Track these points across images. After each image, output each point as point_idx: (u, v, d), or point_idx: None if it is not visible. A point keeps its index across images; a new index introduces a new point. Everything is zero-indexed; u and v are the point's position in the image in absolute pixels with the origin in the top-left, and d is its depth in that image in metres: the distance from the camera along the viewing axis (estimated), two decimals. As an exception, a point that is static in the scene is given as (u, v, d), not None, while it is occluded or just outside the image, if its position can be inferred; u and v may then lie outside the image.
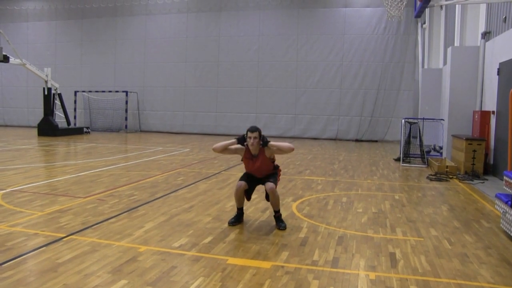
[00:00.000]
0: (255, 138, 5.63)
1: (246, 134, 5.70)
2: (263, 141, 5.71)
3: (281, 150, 5.77)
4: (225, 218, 6.14)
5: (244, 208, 6.09)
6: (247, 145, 5.75)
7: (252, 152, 5.76)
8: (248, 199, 6.00)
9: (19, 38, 26.80)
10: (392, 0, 11.31)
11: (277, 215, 5.85)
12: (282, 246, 4.98)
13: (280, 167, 6.17)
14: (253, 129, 5.66)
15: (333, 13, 22.14)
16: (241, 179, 5.89)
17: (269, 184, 5.67)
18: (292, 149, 5.75)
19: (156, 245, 4.91)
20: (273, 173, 5.94)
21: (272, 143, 5.75)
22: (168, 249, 4.79)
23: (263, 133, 5.81)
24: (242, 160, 5.94)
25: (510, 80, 9.56)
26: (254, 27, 23.18)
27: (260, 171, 5.87)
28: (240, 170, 5.93)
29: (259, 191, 8.01)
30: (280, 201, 6.05)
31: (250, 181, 5.91)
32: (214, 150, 5.83)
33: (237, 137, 5.80)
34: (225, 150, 5.82)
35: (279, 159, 6.13)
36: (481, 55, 11.97)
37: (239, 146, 5.80)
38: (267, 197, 5.87)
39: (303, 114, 22.53)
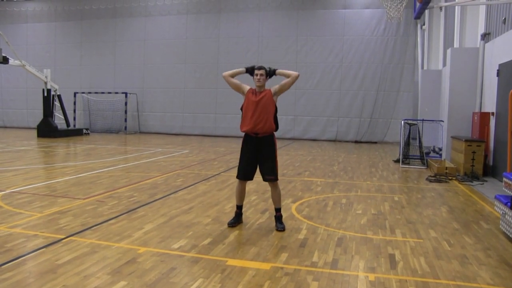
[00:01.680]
0: (261, 75, 5.80)
1: (253, 70, 5.87)
2: (270, 71, 5.91)
3: (288, 76, 5.88)
4: (224, 219, 6.14)
5: (243, 209, 6.08)
6: (251, 89, 5.87)
7: (257, 90, 5.85)
8: (251, 178, 5.90)
9: (19, 40, 26.82)
10: (392, 1, 11.33)
11: (278, 215, 5.85)
12: (281, 248, 4.98)
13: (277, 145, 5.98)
14: (260, 67, 5.84)
15: (332, 15, 22.17)
16: (239, 174, 5.84)
17: (270, 178, 5.76)
18: (298, 75, 5.96)
19: (156, 247, 4.91)
20: (269, 142, 5.75)
21: (279, 70, 5.97)
22: (168, 251, 4.79)
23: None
24: (241, 109, 5.81)
25: (509, 82, 9.57)
26: (254, 28, 23.21)
27: (259, 112, 5.66)
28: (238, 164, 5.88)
29: (259, 192, 8.03)
30: (281, 200, 6.03)
31: (249, 166, 5.80)
32: (223, 76, 6.01)
33: (246, 66, 5.99)
34: (232, 78, 5.97)
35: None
36: (480, 56, 11.98)
37: (245, 86, 5.92)
38: (265, 179, 5.84)
39: (302, 116, 22.54)
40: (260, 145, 5.75)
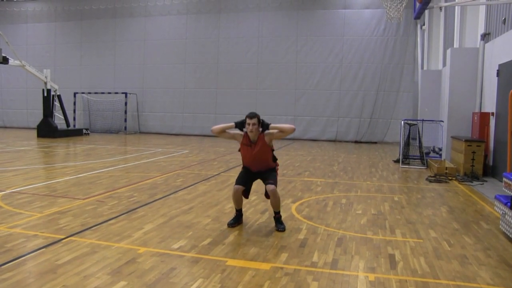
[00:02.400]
0: (253, 124, 5.57)
1: (245, 120, 5.64)
2: (263, 125, 5.68)
3: (283, 132, 5.71)
4: (224, 219, 6.14)
5: (243, 209, 6.08)
6: (245, 131, 5.71)
7: (250, 138, 5.70)
8: (246, 197, 5.94)
9: (19, 40, 26.82)
10: (392, 1, 11.33)
11: (277, 217, 5.84)
12: (281, 248, 4.98)
13: (278, 163, 6.07)
14: (252, 115, 5.59)
15: (332, 15, 22.17)
16: (237, 182, 5.81)
17: (270, 186, 5.64)
18: (294, 129, 5.73)
19: (156, 247, 4.91)
20: (271, 170, 5.85)
21: (273, 125, 5.72)
22: (168, 251, 4.79)
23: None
24: (239, 150, 5.87)
25: (509, 82, 9.57)
26: (254, 28, 23.21)
27: (258, 160, 5.74)
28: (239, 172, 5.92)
29: (259, 192, 8.02)
30: (280, 205, 6.02)
31: (247, 180, 5.84)
32: (212, 131, 5.82)
33: (236, 121, 5.75)
34: (223, 132, 5.80)
35: (278, 158, 6.08)
36: (480, 56, 11.98)
37: (237, 131, 5.77)
38: (267, 195, 5.83)
39: (302, 116, 22.54)
40: (262, 172, 5.89)
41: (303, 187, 8.90)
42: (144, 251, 4.74)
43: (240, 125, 5.73)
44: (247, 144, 5.73)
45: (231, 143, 19.19)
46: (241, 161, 6.03)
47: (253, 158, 5.75)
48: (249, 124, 5.59)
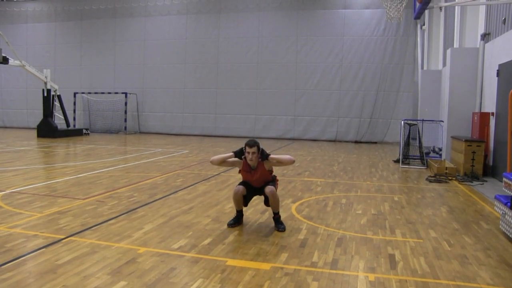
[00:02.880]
0: (253, 153, 5.56)
1: (244, 148, 5.63)
2: (263, 155, 5.65)
3: (281, 163, 5.73)
4: (224, 219, 6.14)
5: (243, 209, 6.08)
6: (245, 158, 5.69)
7: (250, 165, 5.71)
8: (245, 205, 5.95)
9: (19, 40, 26.83)
10: (392, 1, 11.32)
11: (276, 217, 5.84)
12: (281, 248, 4.98)
13: (277, 178, 6.11)
14: (252, 144, 5.55)
15: (332, 15, 22.17)
16: (240, 184, 5.86)
17: (269, 187, 5.66)
18: (293, 162, 5.71)
19: (156, 247, 4.91)
20: (271, 181, 5.92)
21: (272, 156, 5.68)
22: (168, 251, 4.79)
23: (263, 137, 5.78)
24: (239, 172, 5.90)
25: (509, 82, 9.57)
26: (254, 28, 23.21)
27: (258, 182, 5.83)
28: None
29: (259, 192, 8.02)
30: (280, 203, 6.03)
31: (249, 188, 5.87)
32: (212, 162, 5.79)
33: (234, 150, 5.74)
34: (222, 163, 5.79)
35: (277, 167, 6.06)
36: (480, 56, 11.98)
37: (236, 159, 5.75)
38: (266, 202, 5.86)
39: (302, 116, 22.54)
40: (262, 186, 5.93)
41: (303, 187, 8.90)
42: (144, 251, 4.74)
43: (239, 154, 5.71)
44: (247, 170, 5.75)
45: (231, 142, 19.20)
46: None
47: (253, 182, 5.83)
48: (248, 153, 5.57)
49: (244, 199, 5.85)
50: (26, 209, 6.54)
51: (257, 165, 5.68)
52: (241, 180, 5.99)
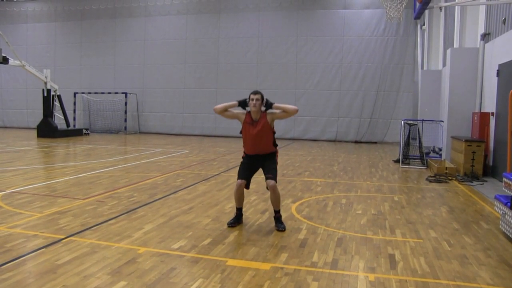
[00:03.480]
0: (257, 100, 5.63)
1: (249, 97, 5.70)
2: (267, 105, 5.70)
3: (286, 112, 5.71)
4: (224, 219, 6.14)
5: (243, 209, 6.08)
6: (249, 112, 5.74)
7: (253, 117, 5.72)
8: (247, 188, 5.93)
9: (19, 40, 26.82)
10: (392, 1, 11.33)
11: (277, 216, 5.84)
12: (281, 248, 4.98)
13: (278, 149, 6.05)
14: (256, 91, 5.68)
15: (332, 15, 22.17)
16: (239, 176, 5.83)
17: (270, 182, 5.67)
18: (297, 110, 5.73)
19: (156, 247, 4.91)
20: (271, 157, 5.84)
21: (276, 104, 5.74)
22: (168, 251, 4.79)
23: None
24: (241, 132, 5.86)
25: (509, 82, 9.57)
26: (254, 28, 23.21)
27: (259, 141, 5.73)
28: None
29: (259, 192, 8.03)
30: (280, 202, 6.01)
31: (248, 173, 5.85)
32: (215, 110, 5.84)
33: (239, 99, 5.78)
34: (225, 111, 5.82)
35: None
36: (480, 56, 11.98)
37: (240, 110, 5.78)
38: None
39: (302, 116, 22.53)
40: (262, 158, 5.87)
41: (303, 187, 8.90)
42: (144, 251, 4.74)
43: (243, 103, 5.75)
44: (249, 122, 5.74)
45: (231, 142, 19.21)
46: (241, 159, 6.05)
47: (254, 138, 5.74)
48: (252, 99, 5.63)
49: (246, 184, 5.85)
50: (26, 209, 6.54)
51: (259, 117, 5.70)
52: (238, 169, 5.95)
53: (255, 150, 5.84)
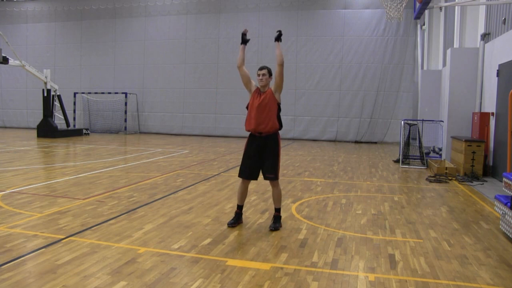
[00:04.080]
0: (263, 75, 5.78)
1: (244, 37, 5.93)
2: (277, 36, 5.87)
3: (278, 64, 5.78)
4: (224, 219, 6.14)
5: (243, 209, 6.08)
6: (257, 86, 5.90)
7: (261, 89, 5.87)
8: (256, 178, 5.92)
9: (19, 40, 26.83)
10: (392, 1, 11.33)
11: (276, 215, 5.85)
12: (281, 248, 4.98)
13: (280, 133, 6.03)
14: (262, 67, 5.84)
15: (332, 15, 22.17)
16: (242, 172, 5.83)
17: (270, 179, 5.74)
18: (281, 61, 5.79)
19: (155, 247, 4.91)
20: (272, 140, 5.79)
21: (278, 43, 5.88)
22: (167, 251, 4.79)
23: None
24: (247, 108, 5.87)
25: (509, 82, 9.57)
26: (253, 28, 23.17)
27: (262, 109, 5.70)
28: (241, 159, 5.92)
29: (259, 192, 8.03)
30: (281, 201, 5.99)
31: (252, 170, 5.81)
32: (238, 67, 5.96)
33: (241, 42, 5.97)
34: (243, 65, 5.94)
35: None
36: (480, 56, 11.98)
37: (253, 85, 5.91)
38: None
39: (302, 116, 22.54)
40: (264, 144, 5.79)
41: (303, 187, 8.90)
42: (144, 251, 4.74)
43: (243, 37, 5.95)
44: (257, 92, 5.85)
45: (231, 142, 19.20)
46: (240, 156, 6.02)
47: (258, 107, 5.72)
48: (259, 75, 5.82)
49: (254, 171, 5.86)
50: (26, 209, 6.54)
51: (266, 90, 5.83)
52: (240, 166, 5.95)
53: (257, 124, 5.72)
